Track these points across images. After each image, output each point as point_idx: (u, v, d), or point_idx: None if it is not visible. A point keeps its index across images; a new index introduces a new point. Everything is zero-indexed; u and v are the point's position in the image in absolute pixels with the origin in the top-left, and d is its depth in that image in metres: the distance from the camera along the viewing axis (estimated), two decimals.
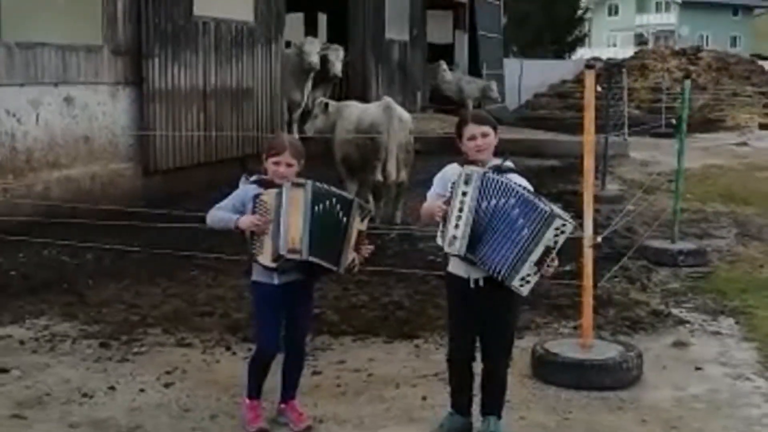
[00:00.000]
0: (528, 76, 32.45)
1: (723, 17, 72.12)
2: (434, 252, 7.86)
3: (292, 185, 4.57)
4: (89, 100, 10.97)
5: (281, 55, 15.08)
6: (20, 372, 5.64)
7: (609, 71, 19.87)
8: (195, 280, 7.94)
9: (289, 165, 4.65)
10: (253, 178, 4.74)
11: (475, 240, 4.34)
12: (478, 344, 4.68)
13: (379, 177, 9.82)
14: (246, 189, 4.69)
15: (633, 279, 8.15)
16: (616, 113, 16.51)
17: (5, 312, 6.88)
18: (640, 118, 22.54)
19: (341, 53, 16.50)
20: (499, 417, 4.69)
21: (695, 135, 20.25)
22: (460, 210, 4.34)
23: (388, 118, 9.76)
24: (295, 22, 22.53)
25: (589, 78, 5.58)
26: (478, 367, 4.69)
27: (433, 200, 4.58)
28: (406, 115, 10.16)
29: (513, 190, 4.35)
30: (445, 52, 26.64)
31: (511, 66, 32.78)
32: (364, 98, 15.97)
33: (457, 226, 4.34)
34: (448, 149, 5.09)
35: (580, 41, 57.97)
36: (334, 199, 4.60)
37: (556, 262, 4.37)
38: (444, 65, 24.20)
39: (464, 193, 4.34)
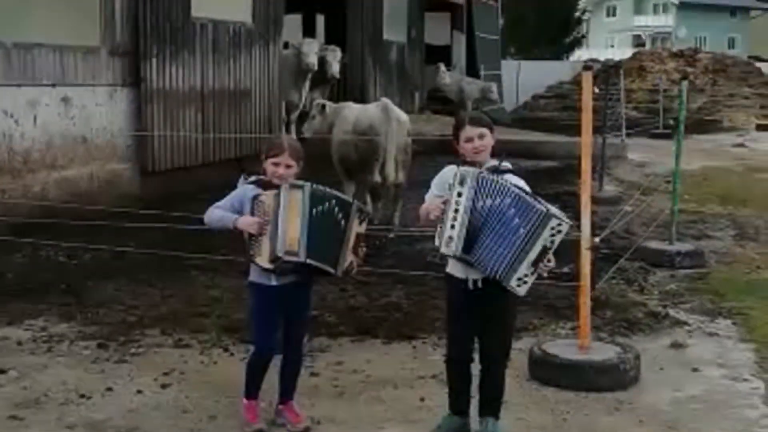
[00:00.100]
0: (526, 78, 32.48)
1: (720, 19, 72.16)
2: (432, 253, 7.85)
3: (291, 187, 4.57)
4: (87, 101, 10.96)
5: (279, 56, 15.07)
6: (17, 373, 5.63)
7: (606, 72, 19.91)
8: (193, 281, 7.94)
9: (288, 166, 4.65)
10: (252, 178, 4.74)
11: (471, 240, 4.34)
12: (476, 345, 4.68)
13: (378, 178, 9.81)
14: (245, 189, 4.69)
15: (630, 280, 8.15)
16: (613, 114, 16.51)
17: (3, 313, 6.87)
18: (637, 120, 22.56)
19: (339, 54, 16.49)
20: (497, 418, 4.69)
21: (693, 136, 20.27)
22: (456, 210, 4.34)
23: (387, 119, 9.75)
24: (293, 23, 22.52)
25: (587, 79, 5.59)
26: (476, 368, 4.69)
27: (431, 202, 4.58)
28: (404, 116, 10.15)
29: (508, 190, 4.35)
30: (443, 54, 26.64)
31: (509, 67, 32.80)
32: (362, 99, 15.99)
33: (452, 226, 4.34)
34: (446, 150, 5.09)
35: (577, 42, 58.07)
36: (333, 201, 4.60)
37: (552, 262, 4.38)
38: (443, 67, 24.20)
39: (459, 194, 4.35)
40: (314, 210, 4.53)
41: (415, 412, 5.11)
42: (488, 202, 4.35)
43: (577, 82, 27.45)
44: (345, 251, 4.61)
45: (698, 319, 7.03)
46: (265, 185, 4.64)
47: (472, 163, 4.52)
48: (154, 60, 11.91)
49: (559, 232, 4.30)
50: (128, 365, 5.83)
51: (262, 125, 14.30)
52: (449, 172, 4.54)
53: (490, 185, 4.36)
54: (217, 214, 4.68)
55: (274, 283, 4.63)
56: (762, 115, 28.18)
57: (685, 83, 9.45)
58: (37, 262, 8.49)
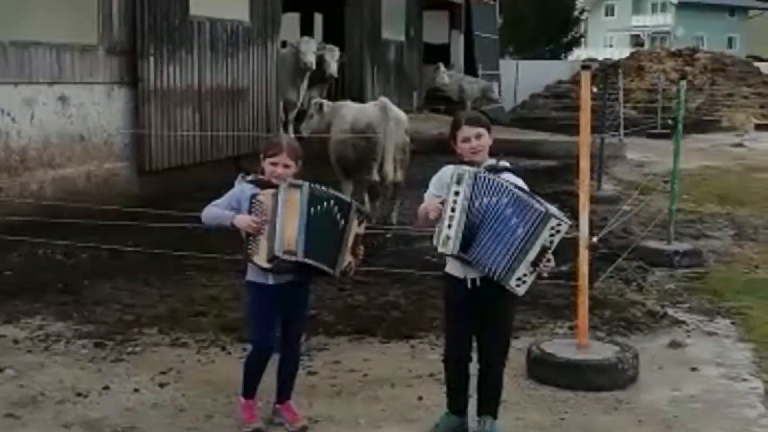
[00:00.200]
0: (524, 77, 32.50)
1: (719, 18, 72.19)
2: (430, 252, 7.85)
3: (289, 186, 4.55)
4: (84, 100, 10.94)
5: (277, 55, 15.06)
6: (14, 371, 5.62)
7: (605, 72, 19.91)
8: (190, 280, 7.92)
9: (286, 166, 4.64)
10: (250, 177, 4.73)
11: (468, 239, 4.33)
12: (474, 344, 4.67)
13: (376, 177, 9.80)
14: (242, 188, 4.68)
15: (629, 279, 8.14)
16: (612, 114, 16.52)
17: None
18: (636, 119, 22.57)
19: (337, 53, 16.50)
20: (495, 417, 4.69)
21: (691, 136, 20.28)
22: (453, 209, 4.34)
23: (385, 118, 9.74)
24: (290, 21, 22.50)
25: (585, 79, 5.58)
26: (474, 367, 4.68)
27: (429, 202, 4.57)
28: (402, 115, 10.15)
29: (506, 188, 4.34)
30: (441, 53, 26.64)
31: (508, 66, 32.81)
32: (360, 98, 15.97)
33: (450, 225, 4.34)
34: (445, 149, 5.08)
35: (576, 42, 58.12)
36: (331, 201, 4.59)
37: (552, 262, 4.38)
38: (442, 67, 24.20)
39: (457, 192, 4.34)
40: (312, 210, 4.51)
41: (413, 412, 5.10)
42: (485, 200, 4.34)
43: (575, 81, 27.50)
44: (343, 251, 4.60)
45: (697, 318, 7.02)
46: (263, 184, 4.63)
47: (470, 163, 4.51)
48: (151, 58, 11.89)
49: (559, 231, 4.30)
50: (125, 364, 5.82)
51: (259, 124, 14.29)
52: (448, 171, 4.52)
53: (488, 184, 4.35)
54: (214, 211, 4.67)
55: (271, 282, 4.62)
56: (761, 115, 28.20)
57: (683, 83, 9.44)
58: (34, 260, 8.48)
